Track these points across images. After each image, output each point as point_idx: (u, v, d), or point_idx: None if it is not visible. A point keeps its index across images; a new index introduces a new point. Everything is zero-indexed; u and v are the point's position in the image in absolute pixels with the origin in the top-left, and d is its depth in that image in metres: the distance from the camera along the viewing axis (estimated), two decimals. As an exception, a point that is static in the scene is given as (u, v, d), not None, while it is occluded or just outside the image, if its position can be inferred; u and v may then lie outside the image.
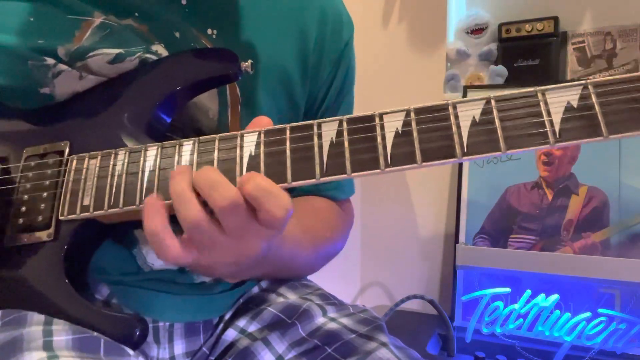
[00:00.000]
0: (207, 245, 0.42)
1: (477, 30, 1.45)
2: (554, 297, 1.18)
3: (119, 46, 0.53)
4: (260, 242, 0.43)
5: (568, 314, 1.18)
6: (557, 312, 1.19)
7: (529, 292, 1.21)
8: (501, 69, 1.39)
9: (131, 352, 0.47)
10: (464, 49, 1.46)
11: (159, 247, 0.41)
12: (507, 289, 1.24)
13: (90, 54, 0.52)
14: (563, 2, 1.38)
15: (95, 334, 0.46)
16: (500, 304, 1.23)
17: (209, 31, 0.57)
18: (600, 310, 1.15)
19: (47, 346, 0.43)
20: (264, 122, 0.46)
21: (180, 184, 0.41)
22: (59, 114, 0.54)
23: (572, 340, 1.16)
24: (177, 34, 0.56)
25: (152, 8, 0.55)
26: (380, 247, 1.62)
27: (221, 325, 0.61)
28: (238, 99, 0.59)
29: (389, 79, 1.58)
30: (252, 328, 0.59)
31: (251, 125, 0.46)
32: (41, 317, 0.47)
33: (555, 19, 1.35)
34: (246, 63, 0.54)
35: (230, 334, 0.59)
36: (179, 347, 0.58)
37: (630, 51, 1.31)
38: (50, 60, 0.51)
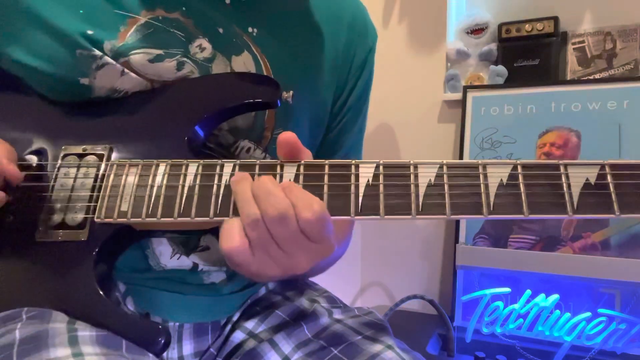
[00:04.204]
0: (261, 248, 0.44)
1: (477, 30, 1.46)
2: (554, 297, 1.19)
3: (160, 47, 0.54)
4: (308, 260, 0.45)
5: (568, 314, 1.19)
6: (557, 312, 1.19)
7: (529, 292, 1.22)
8: (501, 69, 1.39)
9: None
10: (464, 49, 1.46)
11: (225, 236, 0.44)
12: (507, 289, 1.24)
13: (133, 52, 0.53)
14: (563, 2, 1.38)
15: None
16: (500, 304, 1.23)
17: (250, 29, 0.60)
18: (600, 310, 1.16)
19: (72, 341, 0.43)
20: (288, 137, 0.47)
21: (243, 186, 0.44)
22: (100, 115, 0.55)
23: (572, 340, 1.17)
24: (221, 30, 0.58)
25: (198, 5, 0.57)
26: (380, 247, 1.63)
27: (229, 327, 0.61)
28: None
29: (389, 79, 1.58)
30: (259, 330, 0.59)
31: (277, 144, 0.47)
32: (64, 316, 0.47)
33: (555, 19, 1.35)
34: (287, 94, 0.57)
35: (238, 336, 0.59)
36: (188, 348, 0.58)
37: (630, 51, 1.31)
38: (97, 52, 0.52)
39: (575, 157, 1.25)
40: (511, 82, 1.38)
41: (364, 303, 1.66)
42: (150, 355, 0.46)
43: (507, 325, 1.23)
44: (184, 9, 0.56)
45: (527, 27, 1.37)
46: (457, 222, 1.34)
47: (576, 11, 1.38)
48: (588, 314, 1.17)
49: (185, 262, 0.58)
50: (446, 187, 0.44)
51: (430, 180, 0.44)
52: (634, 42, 1.31)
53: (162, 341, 0.47)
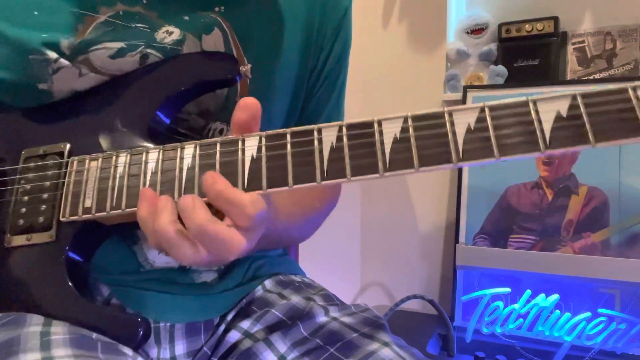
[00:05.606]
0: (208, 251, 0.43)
1: (477, 30, 1.46)
2: (554, 297, 1.19)
3: (121, 40, 0.53)
4: (248, 244, 0.44)
5: (568, 314, 1.18)
6: (557, 312, 1.19)
7: (529, 292, 1.21)
8: (501, 69, 1.39)
9: (130, 351, 0.47)
10: (464, 49, 1.46)
11: (174, 250, 0.42)
12: (507, 289, 1.24)
13: (93, 48, 0.52)
14: (563, 2, 1.38)
15: (95, 335, 0.46)
16: (500, 304, 1.23)
17: (217, 8, 0.58)
18: (600, 310, 1.16)
19: (44, 346, 0.42)
20: (252, 101, 0.45)
21: (169, 229, 0.41)
22: (57, 114, 0.54)
23: (572, 340, 1.17)
24: (186, 17, 0.56)
25: None
26: (380, 247, 1.62)
27: (223, 326, 0.61)
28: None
29: (389, 79, 1.58)
30: (255, 329, 0.59)
31: (238, 107, 0.46)
32: (40, 319, 0.47)
33: (555, 19, 1.35)
34: (245, 67, 0.55)
35: (234, 336, 0.59)
36: (180, 348, 0.58)
37: (630, 51, 1.31)
38: (52, 55, 0.51)
39: (576, 157, 1.25)
40: (511, 82, 1.38)
41: (363, 303, 1.66)
42: (129, 355, 0.46)
43: (507, 325, 1.22)
44: (144, 1, 0.55)
45: (527, 27, 1.37)
46: (457, 221, 1.34)
47: (576, 11, 1.38)
48: (588, 314, 1.17)
49: None
50: (412, 139, 0.42)
51: (395, 135, 0.42)
52: (634, 42, 1.31)
53: (141, 332, 0.46)
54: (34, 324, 0.46)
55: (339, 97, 0.75)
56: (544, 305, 1.19)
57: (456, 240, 1.33)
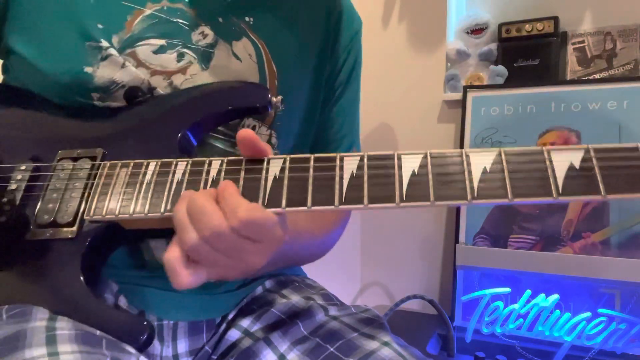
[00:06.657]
0: (210, 263, 0.44)
1: (477, 30, 1.46)
2: (554, 297, 1.18)
3: (163, 37, 0.59)
4: (260, 258, 0.46)
5: (568, 314, 1.18)
6: (557, 312, 1.19)
7: (529, 292, 1.21)
8: (501, 69, 1.39)
9: (133, 349, 0.47)
10: (464, 49, 1.46)
11: (171, 276, 0.44)
12: (507, 289, 1.24)
13: (139, 43, 0.58)
14: (563, 2, 1.38)
15: (98, 333, 0.47)
16: (500, 304, 1.23)
17: (247, 19, 0.64)
18: (600, 310, 1.16)
19: (50, 340, 0.43)
20: (247, 134, 0.47)
21: (179, 210, 0.44)
22: (94, 123, 0.58)
23: (572, 340, 1.17)
24: (220, 19, 0.63)
25: None
26: (380, 247, 1.62)
27: (224, 325, 0.61)
28: (275, 74, 0.64)
29: (389, 79, 1.58)
30: (255, 328, 0.59)
31: (240, 140, 0.48)
32: (46, 313, 0.47)
33: (555, 19, 1.35)
34: (277, 99, 0.59)
35: (234, 334, 0.60)
36: (183, 346, 0.59)
37: (630, 51, 1.31)
38: (105, 44, 0.57)
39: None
40: (511, 82, 1.38)
41: (363, 303, 1.66)
42: (132, 352, 0.46)
43: (507, 325, 1.22)
44: (187, 0, 0.61)
45: (527, 27, 1.37)
46: (457, 221, 1.34)
47: (576, 11, 1.38)
48: (588, 314, 1.17)
49: None
50: (430, 175, 0.44)
51: (414, 169, 0.45)
52: (634, 42, 1.31)
53: (145, 337, 0.47)
54: (39, 318, 0.46)
55: (351, 107, 0.79)
56: (544, 305, 1.18)
57: (456, 240, 1.33)
